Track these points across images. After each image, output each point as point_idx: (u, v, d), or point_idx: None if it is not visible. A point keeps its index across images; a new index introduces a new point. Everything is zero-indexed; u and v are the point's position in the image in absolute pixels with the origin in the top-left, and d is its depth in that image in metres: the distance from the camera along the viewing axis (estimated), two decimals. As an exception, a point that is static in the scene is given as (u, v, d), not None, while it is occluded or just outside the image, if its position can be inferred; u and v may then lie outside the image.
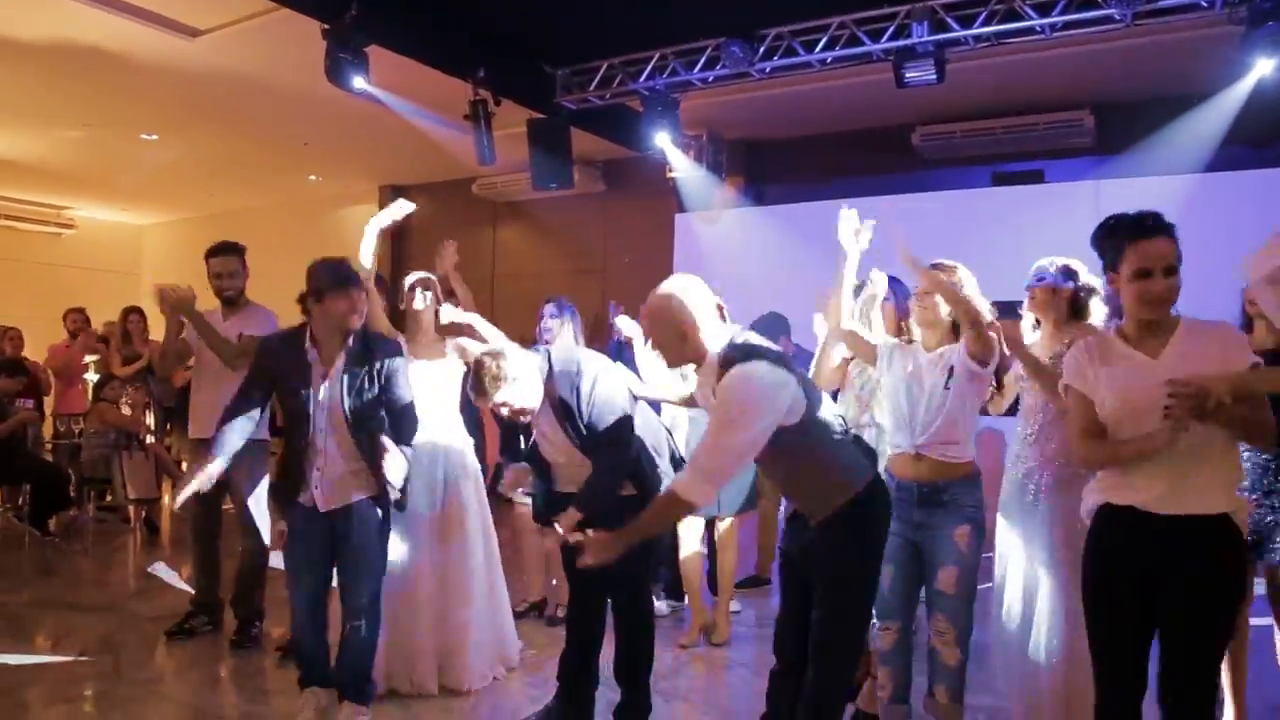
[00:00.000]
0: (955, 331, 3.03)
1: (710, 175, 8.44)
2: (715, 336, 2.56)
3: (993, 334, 2.90)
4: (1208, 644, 2.27)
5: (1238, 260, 2.88)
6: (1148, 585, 2.32)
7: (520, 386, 3.03)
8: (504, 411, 3.08)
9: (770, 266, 8.23)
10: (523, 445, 3.35)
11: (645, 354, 4.41)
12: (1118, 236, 2.37)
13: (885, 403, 3.17)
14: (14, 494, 6.60)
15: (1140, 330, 2.38)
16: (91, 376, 6.98)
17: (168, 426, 7.28)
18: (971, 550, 2.93)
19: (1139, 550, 2.32)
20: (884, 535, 2.69)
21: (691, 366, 2.68)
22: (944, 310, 3.03)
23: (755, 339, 2.58)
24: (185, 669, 3.97)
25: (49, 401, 7.33)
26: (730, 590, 4.59)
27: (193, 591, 4.55)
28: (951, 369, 2.91)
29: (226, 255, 4.46)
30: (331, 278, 3.30)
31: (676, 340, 2.56)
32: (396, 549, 3.59)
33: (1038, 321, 3.41)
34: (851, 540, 2.58)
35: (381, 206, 11.69)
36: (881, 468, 3.19)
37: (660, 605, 4.72)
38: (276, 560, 3.89)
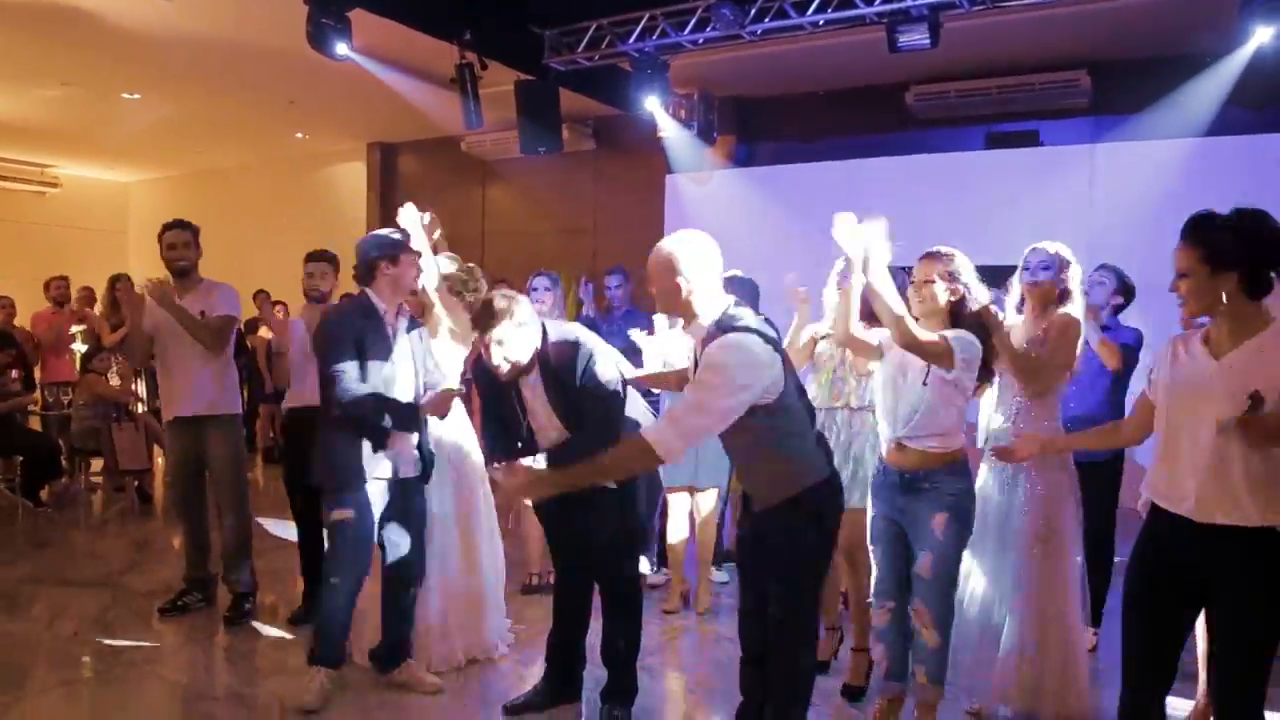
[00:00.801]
0: (953, 316, 3.02)
1: (701, 135, 8.34)
2: (712, 302, 2.61)
3: (941, 340, 2.88)
4: (1253, 652, 2.27)
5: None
6: (1189, 586, 2.34)
7: (521, 334, 3.04)
8: (494, 350, 3.04)
9: (760, 229, 8.17)
10: (523, 426, 3.24)
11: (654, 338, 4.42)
12: None
13: (877, 392, 3.18)
14: (6, 465, 6.61)
15: (1216, 330, 2.35)
16: (79, 346, 6.94)
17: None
18: (949, 538, 2.97)
19: (1181, 552, 2.33)
20: (825, 534, 2.72)
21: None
22: (941, 298, 3.02)
23: (752, 318, 2.60)
24: (179, 648, 4.01)
25: (36, 371, 7.24)
26: (709, 560, 4.66)
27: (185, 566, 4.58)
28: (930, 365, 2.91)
29: (180, 229, 4.37)
30: (403, 240, 3.48)
31: (672, 291, 2.60)
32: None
33: (1022, 302, 3.46)
34: (791, 533, 2.63)
35: (370, 164, 11.63)
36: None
37: (657, 577, 4.79)
38: (284, 533, 3.90)
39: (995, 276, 7.92)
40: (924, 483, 2.98)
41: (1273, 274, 2.26)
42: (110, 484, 6.77)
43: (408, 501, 3.46)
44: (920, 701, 3.08)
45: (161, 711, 3.43)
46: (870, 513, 3.22)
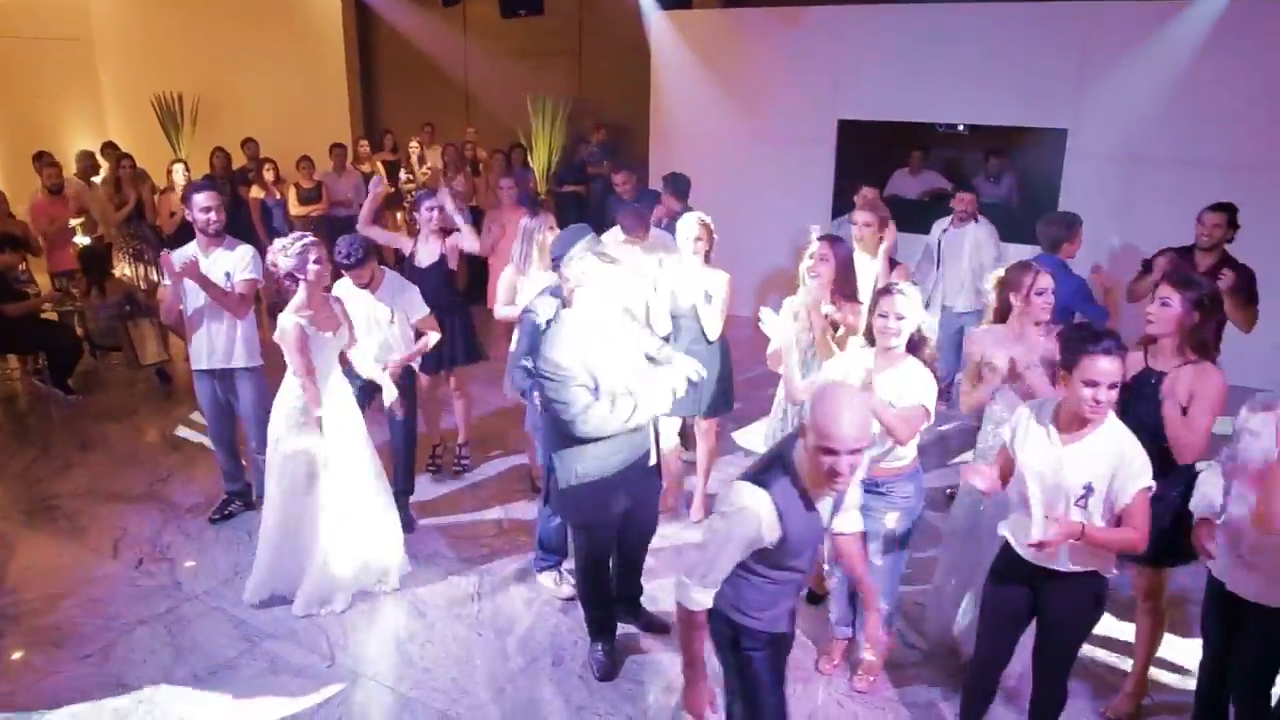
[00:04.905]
0: (911, 349, 3.34)
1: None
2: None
3: (923, 413, 3.30)
4: (1065, 649, 3.02)
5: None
6: (1023, 598, 3.02)
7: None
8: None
9: (747, 74, 8.02)
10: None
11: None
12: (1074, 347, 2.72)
13: None
14: (33, 358, 6.91)
15: (1069, 416, 2.81)
16: (82, 239, 7.01)
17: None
18: (897, 531, 3.55)
19: (1020, 578, 2.99)
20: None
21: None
22: (904, 331, 3.30)
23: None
24: (233, 579, 4.50)
25: (40, 262, 7.19)
26: (708, 475, 5.15)
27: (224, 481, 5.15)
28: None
29: (213, 191, 4.67)
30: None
31: None
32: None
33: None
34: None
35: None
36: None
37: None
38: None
39: (980, 137, 7.85)
40: (882, 488, 3.49)
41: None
42: (130, 369, 7.11)
43: None
44: (870, 645, 3.71)
45: (233, 648, 3.98)
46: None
